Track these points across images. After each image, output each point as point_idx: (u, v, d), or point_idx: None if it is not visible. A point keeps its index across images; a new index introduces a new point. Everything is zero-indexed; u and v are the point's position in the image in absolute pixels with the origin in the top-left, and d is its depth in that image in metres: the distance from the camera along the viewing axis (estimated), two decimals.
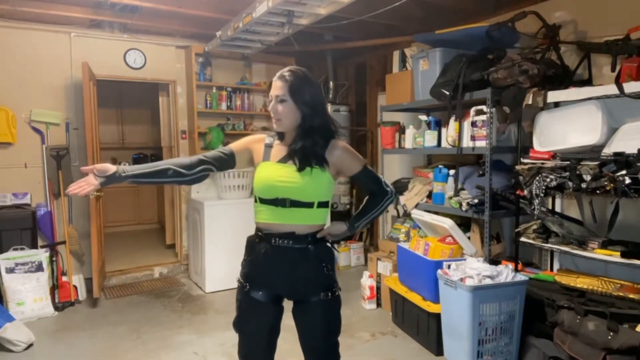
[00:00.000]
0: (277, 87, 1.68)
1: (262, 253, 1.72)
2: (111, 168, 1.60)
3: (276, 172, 1.70)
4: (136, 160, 7.58)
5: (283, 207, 1.67)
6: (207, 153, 1.78)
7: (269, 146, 1.78)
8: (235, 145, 1.82)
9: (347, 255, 5.21)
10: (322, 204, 1.71)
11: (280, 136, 1.78)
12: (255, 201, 1.76)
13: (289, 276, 1.71)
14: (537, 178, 2.58)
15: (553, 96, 2.73)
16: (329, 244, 1.79)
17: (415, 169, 4.12)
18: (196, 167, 1.72)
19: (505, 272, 2.70)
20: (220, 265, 4.38)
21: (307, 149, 1.68)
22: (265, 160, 1.75)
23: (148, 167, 1.67)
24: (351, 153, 1.76)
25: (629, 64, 2.45)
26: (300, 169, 1.66)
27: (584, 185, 2.37)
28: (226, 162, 1.78)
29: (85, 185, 1.56)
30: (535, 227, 2.82)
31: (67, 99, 4.40)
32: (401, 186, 3.90)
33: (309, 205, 1.68)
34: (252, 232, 1.82)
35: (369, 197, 1.87)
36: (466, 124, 3.19)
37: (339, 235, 1.82)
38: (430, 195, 3.55)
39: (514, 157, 3.15)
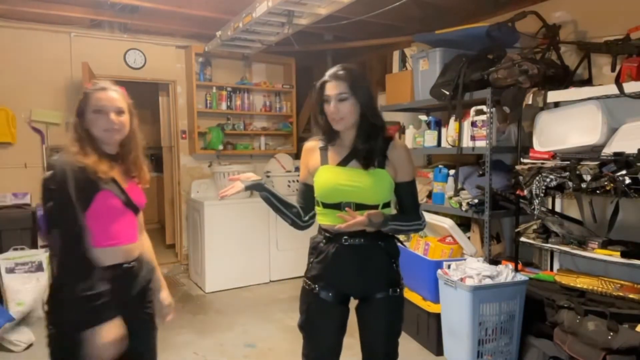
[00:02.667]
0: (335, 86, 1.64)
1: (331, 253, 1.69)
2: (256, 177, 1.75)
3: (338, 176, 1.66)
4: None
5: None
6: (298, 198, 1.84)
7: (324, 149, 1.75)
8: (303, 176, 1.83)
9: None
10: (386, 205, 1.68)
11: (331, 138, 1.73)
12: (317, 205, 1.74)
13: (359, 273, 1.68)
14: (537, 178, 2.58)
15: (553, 96, 2.73)
16: (397, 242, 1.79)
17: (415, 168, 4.11)
18: (308, 214, 1.82)
19: (505, 272, 2.70)
20: (221, 265, 4.38)
21: (372, 148, 1.65)
22: (324, 164, 1.72)
23: (282, 195, 1.81)
24: (410, 158, 1.73)
25: (629, 64, 2.45)
26: (365, 168, 1.64)
27: (584, 185, 2.37)
28: (312, 195, 1.76)
29: (232, 188, 1.72)
30: (535, 227, 2.82)
31: (67, 99, 4.40)
32: None
33: (374, 207, 1.64)
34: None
35: (401, 212, 1.78)
36: (466, 124, 3.19)
37: (375, 224, 1.62)
38: (430, 195, 3.54)
39: (514, 157, 3.15)
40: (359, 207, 1.63)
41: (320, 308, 1.73)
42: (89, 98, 1.56)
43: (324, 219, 1.72)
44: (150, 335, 1.73)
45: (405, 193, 1.73)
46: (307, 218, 1.83)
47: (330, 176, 1.68)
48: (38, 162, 4.28)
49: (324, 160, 1.73)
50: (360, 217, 1.57)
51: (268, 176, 4.96)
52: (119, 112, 1.60)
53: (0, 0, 3.77)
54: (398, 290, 1.72)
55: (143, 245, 1.73)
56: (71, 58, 4.39)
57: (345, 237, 1.66)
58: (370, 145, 1.66)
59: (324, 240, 1.73)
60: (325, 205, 1.69)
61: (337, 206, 1.66)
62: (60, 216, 1.44)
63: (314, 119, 1.77)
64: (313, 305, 1.74)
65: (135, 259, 1.62)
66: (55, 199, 1.44)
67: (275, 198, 1.78)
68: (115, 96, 1.60)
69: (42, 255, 3.89)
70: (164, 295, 1.83)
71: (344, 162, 1.69)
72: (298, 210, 1.81)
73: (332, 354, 1.77)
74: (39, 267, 3.83)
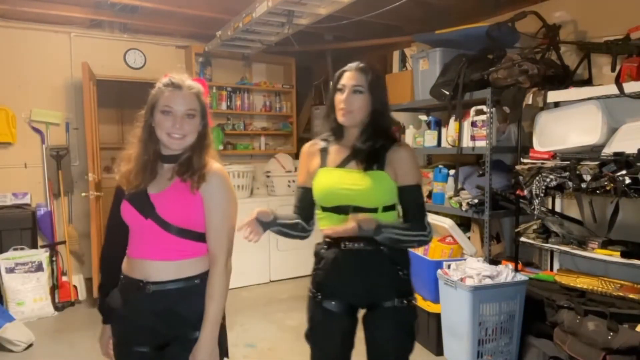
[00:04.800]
0: (354, 77, 1.59)
1: (331, 259, 1.63)
2: (267, 211, 1.58)
3: (337, 179, 1.61)
4: None
5: (346, 215, 1.57)
6: (297, 204, 1.75)
7: (324, 150, 1.69)
8: (301, 179, 1.75)
9: None
10: (388, 208, 1.60)
11: (336, 135, 1.67)
12: (318, 209, 1.68)
13: (362, 281, 1.60)
14: (537, 178, 2.58)
15: (553, 96, 2.73)
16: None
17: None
18: (310, 220, 1.74)
19: (505, 272, 2.70)
20: None
21: (372, 149, 1.60)
22: (324, 166, 1.66)
23: (288, 219, 1.69)
24: (414, 161, 1.63)
25: (629, 64, 2.45)
26: (365, 169, 1.57)
27: (584, 185, 2.37)
28: (312, 199, 1.70)
29: (253, 234, 1.53)
30: (535, 227, 2.82)
31: (67, 99, 4.40)
32: None
33: (373, 210, 1.56)
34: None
35: (404, 220, 1.66)
36: (466, 124, 3.19)
37: (366, 231, 1.49)
38: (430, 195, 3.55)
39: (514, 157, 3.15)
40: (357, 210, 1.56)
41: (323, 318, 1.66)
42: (161, 95, 1.46)
43: (323, 222, 1.66)
44: None
45: (406, 198, 1.61)
46: (309, 227, 1.75)
47: (328, 179, 1.62)
48: (38, 162, 4.28)
49: (323, 162, 1.67)
50: (348, 226, 1.47)
51: (268, 176, 4.96)
52: (190, 115, 1.45)
53: (1, 0, 3.77)
54: (405, 301, 1.60)
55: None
56: (71, 58, 4.39)
57: (345, 242, 1.60)
58: (371, 146, 1.60)
59: (325, 246, 1.67)
60: (325, 209, 1.64)
61: (336, 209, 1.60)
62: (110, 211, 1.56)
63: (325, 111, 1.70)
64: (317, 314, 1.68)
65: (152, 280, 1.43)
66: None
67: (285, 227, 1.67)
68: (188, 97, 1.45)
69: (42, 255, 3.89)
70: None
71: (342, 164, 1.63)
72: (302, 225, 1.72)
73: None
74: (39, 267, 3.83)
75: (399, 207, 1.65)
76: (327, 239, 1.66)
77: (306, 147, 1.77)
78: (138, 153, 1.48)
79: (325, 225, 1.65)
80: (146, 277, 1.42)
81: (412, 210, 1.62)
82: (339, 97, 1.60)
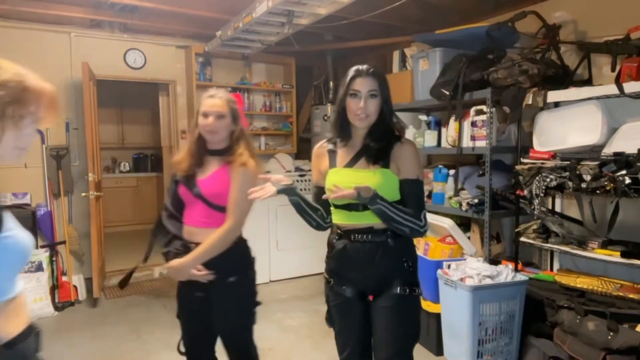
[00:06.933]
0: (368, 83, 1.65)
1: (340, 249, 1.73)
2: (287, 180, 1.71)
3: (346, 178, 1.67)
4: (136, 160, 7.60)
5: (357, 211, 1.68)
6: (313, 202, 1.83)
7: (332, 152, 1.78)
8: (315, 178, 1.87)
9: None
10: (397, 202, 1.67)
11: (345, 137, 1.74)
12: (331, 205, 1.77)
13: (369, 270, 1.69)
14: (537, 178, 2.58)
15: (553, 96, 2.73)
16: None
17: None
18: (330, 215, 1.82)
19: (505, 272, 2.70)
20: None
21: (382, 147, 1.68)
22: (333, 167, 1.76)
23: (309, 200, 1.82)
24: (416, 156, 1.71)
25: (629, 64, 2.45)
26: (372, 165, 1.67)
27: (584, 185, 2.37)
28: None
29: (263, 191, 1.67)
30: (535, 227, 2.82)
31: (67, 99, 4.40)
32: None
33: None
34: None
35: None
36: (466, 124, 3.19)
37: (363, 199, 1.57)
38: (430, 195, 3.55)
39: (514, 157, 3.15)
40: (367, 207, 1.63)
41: (337, 301, 1.78)
42: (201, 103, 1.92)
43: (336, 217, 1.77)
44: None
45: (406, 191, 1.67)
46: (329, 220, 1.83)
47: (338, 179, 1.69)
48: (38, 162, 4.28)
49: (333, 163, 1.77)
50: (348, 190, 1.55)
51: None
52: (219, 116, 1.87)
53: (1, 0, 3.77)
54: (408, 290, 1.68)
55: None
56: (71, 58, 4.39)
57: (354, 234, 1.70)
58: (381, 144, 1.69)
59: (336, 237, 1.77)
60: (337, 207, 1.74)
61: (347, 207, 1.69)
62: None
63: (333, 116, 1.77)
64: (331, 297, 1.80)
65: (197, 241, 1.88)
66: None
67: (305, 203, 1.77)
68: (218, 102, 1.89)
69: (42, 255, 3.89)
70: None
71: (350, 163, 1.72)
72: (322, 212, 1.82)
73: (356, 346, 1.76)
74: (39, 267, 3.83)
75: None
76: (339, 231, 1.76)
77: (316, 148, 1.87)
78: (190, 148, 1.95)
79: (337, 220, 1.76)
80: (193, 238, 1.90)
81: (410, 202, 1.68)
82: (355, 103, 1.65)
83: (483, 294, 2.59)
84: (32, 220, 4.00)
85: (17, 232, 1.08)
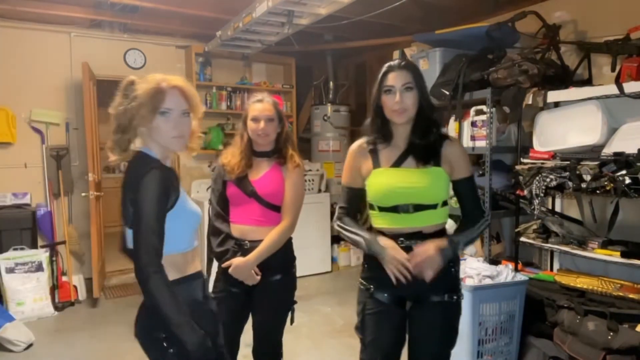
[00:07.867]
0: (402, 76, 1.58)
1: None
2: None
3: (394, 178, 1.62)
4: None
5: (406, 213, 1.61)
6: (345, 205, 1.76)
7: (374, 151, 1.69)
8: (348, 179, 1.75)
9: (347, 255, 5.21)
10: (444, 203, 1.65)
11: (386, 137, 1.67)
12: (372, 208, 1.69)
13: (416, 276, 1.59)
14: (537, 178, 2.58)
15: (553, 96, 2.73)
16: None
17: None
18: (361, 218, 1.79)
19: (505, 272, 2.70)
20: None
21: (428, 143, 1.63)
22: (377, 167, 1.66)
23: (351, 227, 1.72)
24: (466, 155, 1.69)
25: (629, 64, 2.45)
26: (423, 166, 1.61)
27: (584, 185, 2.37)
28: (359, 199, 1.74)
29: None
30: (535, 227, 2.82)
31: (67, 99, 4.40)
32: None
33: (433, 207, 1.61)
34: None
35: (463, 220, 1.72)
36: (466, 124, 3.19)
37: (446, 254, 1.57)
38: None
39: (514, 157, 3.15)
40: (417, 207, 1.60)
41: (375, 308, 1.68)
42: (249, 108, 2.00)
43: (380, 221, 1.67)
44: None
45: (465, 190, 1.68)
46: (361, 221, 1.78)
47: (385, 179, 1.63)
48: (38, 162, 4.28)
49: (377, 163, 1.67)
50: (427, 253, 1.52)
51: None
52: (269, 120, 1.96)
53: (1, 0, 3.77)
54: (455, 297, 1.65)
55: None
56: (71, 58, 4.39)
57: (402, 238, 1.62)
58: (427, 140, 1.63)
59: None
60: (382, 209, 1.65)
61: (395, 209, 1.62)
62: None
63: (371, 116, 1.69)
64: (368, 305, 1.69)
65: (249, 239, 1.98)
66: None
67: (354, 234, 1.70)
68: (267, 107, 1.98)
69: (42, 255, 3.89)
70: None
71: (397, 163, 1.64)
72: (358, 221, 1.78)
73: (386, 358, 1.69)
74: (39, 267, 3.83)
75: (450, 200, 1.72)
76: (382, 234, 1.67)
77: (354, 148, 1.75)
78: (240, 150, 2.02)
79: (380, 224, 1.68)
80: (245, 237, 1.99)
81: (470, 201, 1.70)
82: (390, 99, 1.59)
83: (483, 294, 2.59)
84: (32, 220, 4.00)
85: (190, 202, 1.45)
